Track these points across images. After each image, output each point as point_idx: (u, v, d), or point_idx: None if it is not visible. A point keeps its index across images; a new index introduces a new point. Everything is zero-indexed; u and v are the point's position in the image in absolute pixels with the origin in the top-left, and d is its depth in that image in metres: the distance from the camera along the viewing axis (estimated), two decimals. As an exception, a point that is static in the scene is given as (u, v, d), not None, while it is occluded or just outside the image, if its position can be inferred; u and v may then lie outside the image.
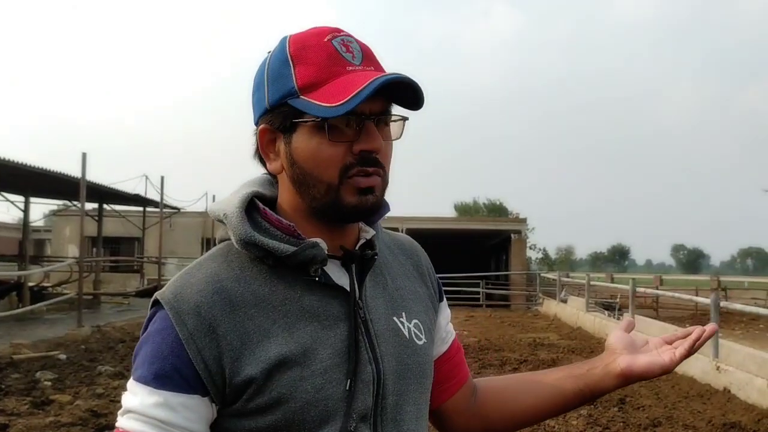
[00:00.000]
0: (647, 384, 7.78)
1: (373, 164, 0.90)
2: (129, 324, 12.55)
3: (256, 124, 0.95)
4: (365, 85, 0.84)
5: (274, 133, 0.92)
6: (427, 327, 1.04)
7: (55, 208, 24.33)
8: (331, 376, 0.88)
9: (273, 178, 1.01)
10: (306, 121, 0.88)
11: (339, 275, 0.94)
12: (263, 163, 0.98)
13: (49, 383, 7.12)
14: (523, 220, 27.06)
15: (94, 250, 20.75)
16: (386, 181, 0.93)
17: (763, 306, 17.07)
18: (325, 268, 0.93)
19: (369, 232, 0.99)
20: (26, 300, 13.48)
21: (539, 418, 1.15)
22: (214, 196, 20.78)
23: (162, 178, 16.86)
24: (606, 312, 15.95)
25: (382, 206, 0.95)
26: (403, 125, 0.94)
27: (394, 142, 0.95)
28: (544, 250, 36.60)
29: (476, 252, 31.04)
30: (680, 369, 8.32)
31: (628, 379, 1.05)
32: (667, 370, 1.03)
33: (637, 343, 1.08)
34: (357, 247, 0.97)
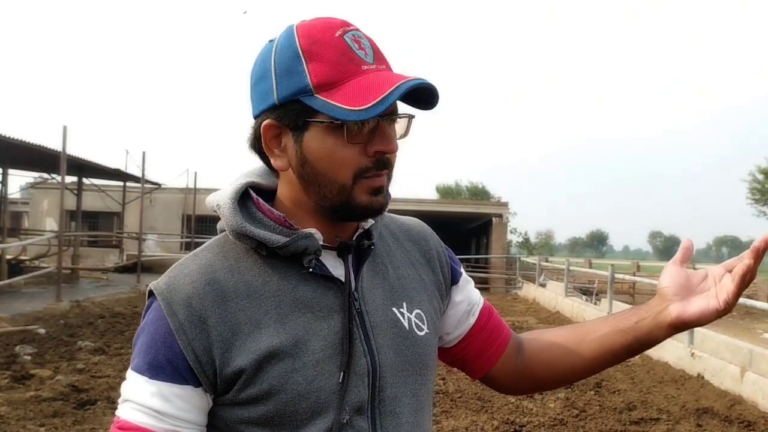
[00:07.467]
0: (623, 368, 7.93)
1: (386, 166, 0.90)
2: (108, 300, 12.45)
3: (257, 116, 0.92)
4: (391, 90, 0.83)
5: (281, 129, 0.90)
6: (431, 317, 1.03)
7: (31, 180, 23.91)
8: (323, 368, 0.88)
9: (273, 171, 0.98)
10: (322, 122, 0.86)
11: (335, 266, 0.94)
12: (261, 155, 0.96)
13: (29, 358, 7.07)
14: (505, 204, 27.15)
15: (73, 224, 20.49)
16: (391, 178, 0.93)
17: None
18: (321, 258, 0.92)
19: (368, 222, 0.98)
20: (3, 273, 13.30)
21: (588, 374, 1.12)
22: (195, 173, 20.65)
23: (144, 154, 16.65)
24: (584, 297, 16.17)
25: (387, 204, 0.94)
26: (409, 123, 0.93)
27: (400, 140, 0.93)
28: (526, 234, 36.57)
29: (457, 234, 31.18)
30: (655, 354, 8.49)
31: (680, 328, 1.00)
32: (723, 314, 0.97)
33: (692, 282, 1.00)
34: (354, 238, 0.96)
